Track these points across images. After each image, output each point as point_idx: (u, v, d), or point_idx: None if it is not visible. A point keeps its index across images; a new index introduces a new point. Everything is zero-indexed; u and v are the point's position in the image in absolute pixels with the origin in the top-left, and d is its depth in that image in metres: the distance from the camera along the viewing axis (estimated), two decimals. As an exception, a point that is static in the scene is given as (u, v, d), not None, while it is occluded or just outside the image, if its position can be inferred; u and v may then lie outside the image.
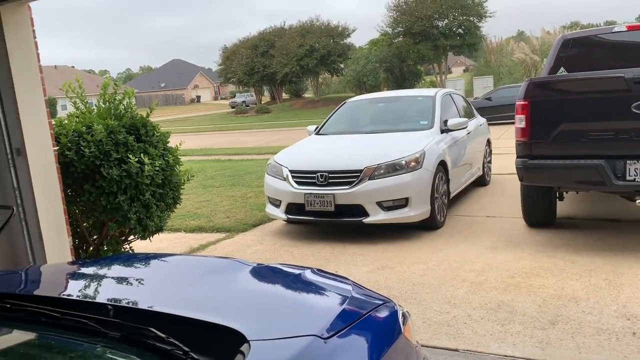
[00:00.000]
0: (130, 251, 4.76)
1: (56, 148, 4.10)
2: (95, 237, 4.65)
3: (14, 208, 3.50)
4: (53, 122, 4.26)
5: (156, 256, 2.18)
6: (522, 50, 31.80)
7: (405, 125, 6.56)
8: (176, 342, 1.16)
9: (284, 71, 41.41)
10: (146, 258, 2.17)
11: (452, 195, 6.39)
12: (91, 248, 4.64)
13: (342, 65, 42.68)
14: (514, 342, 3.20)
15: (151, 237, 4.75)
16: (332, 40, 41.43)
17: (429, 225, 5.73)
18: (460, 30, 37.68)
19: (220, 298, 1.62)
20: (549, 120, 4.75)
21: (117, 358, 1.21)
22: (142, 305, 1.49)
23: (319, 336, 1.32)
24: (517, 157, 4.96)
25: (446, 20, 37.55)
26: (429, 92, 7.43)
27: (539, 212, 5.50)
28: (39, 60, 4.03)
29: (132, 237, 4.72)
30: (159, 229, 4.72)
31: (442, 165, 5.98)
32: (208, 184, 9.90)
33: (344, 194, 5.44)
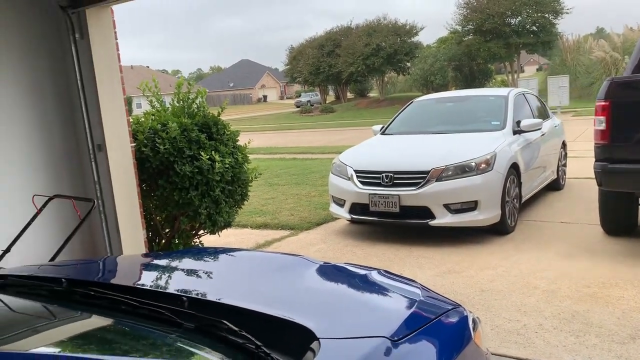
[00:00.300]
0: (199, 245, 4.92)
1: (133, 144, 4.30)
2: (167, 230, 4.85)
3: (95, 201, 3.70)
4: (131, 120, 4.47)
5: (227, 251, 2.24)
6: (601, 48, 30.08)
7: (475, 126, 6.38)
8: (248, 336, 1.18)
9: (350, 70, 41.39)
10: (217, 252, 2.23)
11: (524, 199, 6.15)
12: (163, 241, 4.84)
13: (408, 64, 42.13)
14: (589, 355, 3.03)
15: (220, 232, 4.89)
16: (399, 39, 40.97)
17: (499, 229, 5.54)
18: (534, 27, 36.16)
19: (288, 294, 1.63)
20: (632, 122, 4.47)
21: (192, 348, 1.24)
22: (214, 298, 1.53)
23: (388, 338, 1.31)
24: (595, 161, 4.70)
25: (519, 17, 36.16)
26: (501, 91, 7.18)
27: (619, 220, 5.19)
28: (119, 61, 4.24)
29: (201, 231, 4.88)
30: (227, 225, 4.85)
31: (514, 167, 5.76)
32: (273, 182, 10.06)
33: (409, 195, 5.36)
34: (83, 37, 3.97)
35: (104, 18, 4.08)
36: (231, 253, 2.22)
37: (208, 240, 5.09)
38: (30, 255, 3.32)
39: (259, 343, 1.16)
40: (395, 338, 1.32)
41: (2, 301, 1.58)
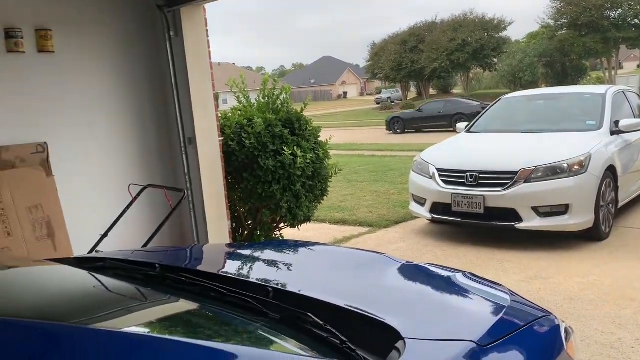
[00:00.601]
0: (280, 237, 5.03)
1: (221, 138, 4.46)
2: (250, 222, 4.99)
3: (185, 191, 3.88)
4: (219, 115, 4.64)
5: (309, 245, 2.26)
6: None
7: (568, 125, 6.02)
8: (333, 330, 1.19)
9: (433, 66, 40.54)
10: (301, 246, 2.26)
11: (620, 204, 5.73)
12: (246, 232, 4.99)
13: (495, 60, 40.60)
14: (695, 378, 2.77)
15: (299, 226, 4.97)
16: (486, 34, 39.58)
17: (592, 235, 5.20)
18: (636, 20, 33.60)
19: (371, 292, 1.62)
20: None
21: (277, 339, 1.26)
22: (297, 290, 1.55)
23: (476, 343, 1.26)
24: None
25: (620, 10, 33.73)
26: (598, 89, 6.72)
27: None
28: (210, 58, 4.41)
29: (282, 224, 4.98)
30: (307, 219, 4.92)
31: (611, 170, 5.38)
32: (352, 178, 10.07)
33: (495, 196, 5.16)
34: (177, 34, 4.16)
35: (197, 16, 4.25)
36: (314, 247, 2.24)
37: (288, 233, 5.19)
38: (124, 241, 3.54)
39: (344, 338, 1.15)
40: (483, 343, 1.27)
41: (100, 282, 1.69)
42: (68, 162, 3.87)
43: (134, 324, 1.32)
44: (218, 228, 4.40)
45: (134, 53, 4.24)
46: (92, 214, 3.87)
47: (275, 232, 5.06)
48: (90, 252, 3.18)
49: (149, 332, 1.26)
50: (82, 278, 1.66)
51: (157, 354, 0.92)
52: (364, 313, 1.35)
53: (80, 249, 3.54)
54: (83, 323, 1.19)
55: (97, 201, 3.98)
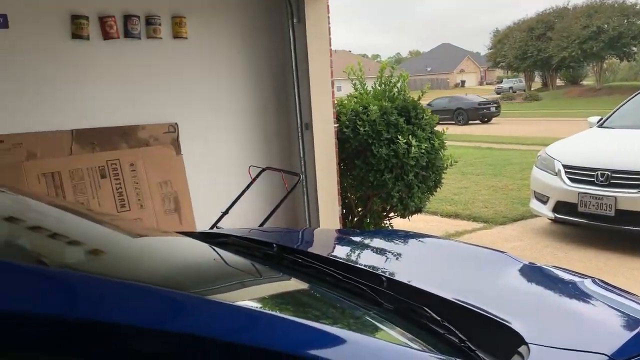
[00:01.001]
0: (389, 227, 4.99)
1: (336, 125, 4.50)
2: (360, 209, 5.00)
3: (300, 175, 3.98)
4: (335, 101, 4.68)
5: (424, 237, 2.21)
6: None
7: None
8: (452, 328, 1.14)
9: (562, 55, 37.68)
10: (416, 237, 2.21)
11: None
12: (355, 219, 5.01)
13: (634, 49, 36.76)
14: None
15: (410, 217, 4.89)
16: (625, 21, 35.93)
17: None
18: None
19: (491, 291, 1.54)
20: None
21: (390, 330, 1.24)
22: (413, 283, 1.51)
23: (609, 357, 1.15)
24: None
25: None
26: None
27: None
28: (330, 45, 4.45)
29: (392, 214, 4.93)
30: (418, 210, 4.83)
31: None
32: (467, 171, 9.70)
33: (629, 198, 4.69)
34: (300, 21, 4.25)
35: (320, 3, 4.30)
36: (429, 239, 2.18)
37: (397, 223, 5.13)
38: (241, 219, 3.71)
39: (463, 337, 1.10)
40: (618, 359, 1.16)
41: (221, 256, 1.78)
42: (195, 142, 4.13)
43: (249, 299, 1.37)
44: (329, 213, 4.46)
45: (258, 40, 4.40)
46: (214, 192, 4.10)
47: (385, 222, 5.03)
48: (211, 228, 3.37)
49: (259, 308, 1.30)
50: (205, 251, 1.76)
51: (266, 330, 0.95)
52: (482, 312, 1.28)
53: (202, 224, 3.79)
54: (203, 293, 1.25)
55: (219, 180, 4.21)
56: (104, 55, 3.76)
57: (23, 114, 3.51)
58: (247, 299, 1.32)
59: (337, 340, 0.99)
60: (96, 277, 1.02)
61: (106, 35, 3.72)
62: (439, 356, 1.05)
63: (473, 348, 1.08)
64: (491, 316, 1.26)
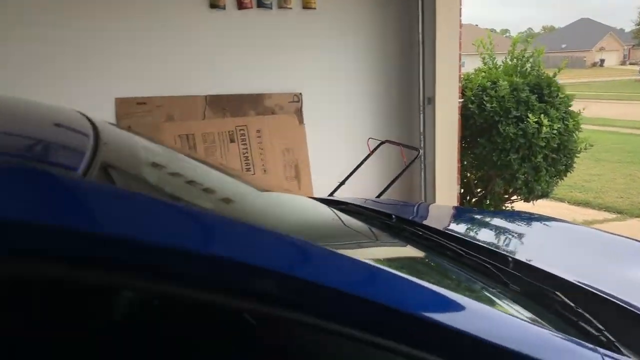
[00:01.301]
0: (511, 210, 4.75)
1: (461, 100, 4.33)
2: (479, 190, 4.81)
3: (419, 150, 3.90)
4: (461, 76, 4.50)
5: (559, 221, 2.07)
6: None
7: None
8: (587, 316, 1.06)
9: None
10: (549, 220, 2.07)
11: None
12: (474, 200, 4.83)
13: None
14: None
15: (534, 201, 4.61)
16: None
17: None
18: None
19: (632, 283, 1.41)
20: None
21: (514, 308, 1.18)
22: (542, 266, 1.43)
23: None
24: None
25: None
26: None
27: None
28: (460, 16, 4.26)
29: (515, 197, 4.68)
30: (545, 195, 4.54)
31: None
32: (601, 157, 8.92)
33: None
34: (430, -10, 4.11)
35: (452, -28, 4.12)
36: (563, 225, 2.04)
37: (519, 207, 4.86)
38: (357, 190, 3.73)
39: (600, 327, 1.02)
40: None
41: (341, 220, 1.80)
42: (317, 112, 4.21)
43: (370, 258, 1.38)
44: (446, 191, 4.35)
45: (385, 11, 4.33)
46: (332, 162, 4.16)
47: (506, 205, 4.79)
48: (329, 196, 3.44)
49: (381, 265, 1.30)
50: (328, 212, 1.80)
51: (385, 287, 0.94)
52: (624, 305, 1.17)
53: (319, 193, 3.87)
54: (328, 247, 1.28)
55: (338, 151, 4.27)
56: (238, 24, 3.93)
57: (164, 79, 3.80)
58: (368, 257, 1.33)
59: (456, 306, 0.96)
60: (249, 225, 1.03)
61: (241, 5, 3.88)
62: (587, 345, 0.96)
63: (612, 339, 1.00)
64: (634, 310, 1.15)
